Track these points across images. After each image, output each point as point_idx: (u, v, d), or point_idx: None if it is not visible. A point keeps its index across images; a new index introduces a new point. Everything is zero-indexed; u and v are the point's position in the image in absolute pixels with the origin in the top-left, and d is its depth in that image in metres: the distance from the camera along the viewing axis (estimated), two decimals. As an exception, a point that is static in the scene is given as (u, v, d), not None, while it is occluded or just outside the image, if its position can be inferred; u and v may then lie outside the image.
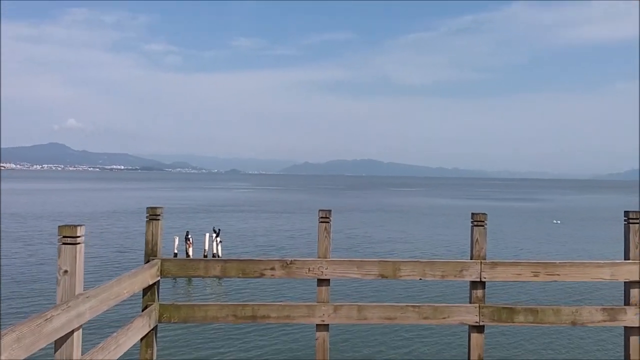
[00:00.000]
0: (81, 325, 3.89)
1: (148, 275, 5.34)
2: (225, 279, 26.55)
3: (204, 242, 32.72)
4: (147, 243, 5.68)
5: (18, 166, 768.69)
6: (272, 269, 5.70)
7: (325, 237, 5.79)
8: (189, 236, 32.32)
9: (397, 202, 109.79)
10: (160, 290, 5.74)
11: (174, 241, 31.80)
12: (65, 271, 3.84)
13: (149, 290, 5.56)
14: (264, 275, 5.71)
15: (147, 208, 5.74)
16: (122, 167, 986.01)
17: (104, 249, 36.08)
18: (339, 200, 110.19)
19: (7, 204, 79.48)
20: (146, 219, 5.70)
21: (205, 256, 32.29)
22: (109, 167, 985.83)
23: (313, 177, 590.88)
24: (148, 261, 5.60)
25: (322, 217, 5.80)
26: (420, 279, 5.84)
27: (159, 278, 5.62)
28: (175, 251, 31.38)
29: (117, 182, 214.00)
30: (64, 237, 3.86)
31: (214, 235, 32.80)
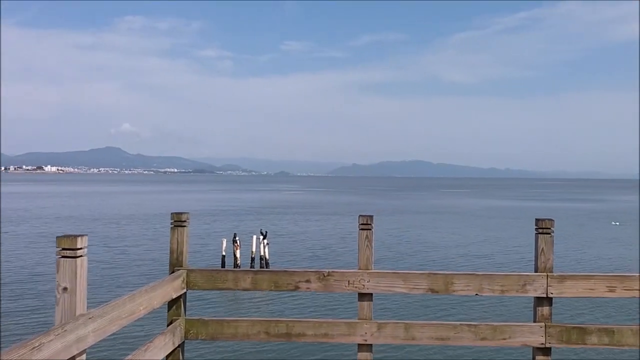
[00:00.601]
0: (84, 350, 3.42)
1: (171, 288, 4.87)
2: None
3: (252, 244, 32.63)
4: (171, 252, 5.22)
5: (76, 170, 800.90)
6: (308, 281, 5.13)
7: (367, 246, 5.17)
8: (237, 238, 32.24)
9: (449, 203, 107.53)
10: (187, 304, 5.27)
11: (222, 243, 31.87)
12: (65, 288, 3.38)
13: (174, 304, 5.10)
14: (299, 288, 5.15)
15: (171, 214, 5.28)
16: (176, 170, 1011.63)
17: (154, 253, 36.65)
18: (388, 202, 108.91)
19: (65, 207, 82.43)
20: (170, 226, 5.24)
21: (252, 258, 32.18)
22: (162, 170, 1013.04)
23: (361, 179, 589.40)
24: (173, 272, 5.14)
25: (362, 224, 5.19)
26: (477, 295, 5.13)
27: (184, 291, 5.14)
28: (223, 253, 31.44)
29: (170, 185, 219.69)
30: (63, 249, 3.41)
31: (261, 237, 32.65)
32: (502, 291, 5.07)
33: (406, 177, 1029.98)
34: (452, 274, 5.13)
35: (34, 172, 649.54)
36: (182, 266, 5.18)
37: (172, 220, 5.22)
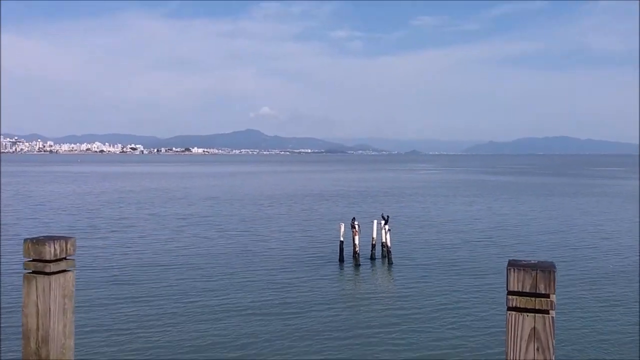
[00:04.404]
0: None
1: None
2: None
3: (372, 230, 29.55)
4: (24, 335, 2.21)
5: (220, 151, 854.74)
6: None
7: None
8: (356, 223, 29.25)
9: (609, 183, 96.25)
10: None
11: (340, 228, 29.08)
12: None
13: None
14: None
15: (24, 242, 2.25)
16: (309, 151, 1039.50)
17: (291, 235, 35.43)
18: (535, 181, 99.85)
19: (209, 188, 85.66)
20: (25, 270, 2.23)
21: (373, 245, 29.09)
22: (297, 150, 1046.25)
23: (500, 157, 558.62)
24: None
25: (516, 310, 1.77)
26: None
27: None
28: (341, 239, 28.67)
29: (304, 165, 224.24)
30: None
31: (382, 222, 29.40)
32: None
33: (550, 154, 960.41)
34: None
35: (182, 153, 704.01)
36: None
37: (28, 259, 2.20)
